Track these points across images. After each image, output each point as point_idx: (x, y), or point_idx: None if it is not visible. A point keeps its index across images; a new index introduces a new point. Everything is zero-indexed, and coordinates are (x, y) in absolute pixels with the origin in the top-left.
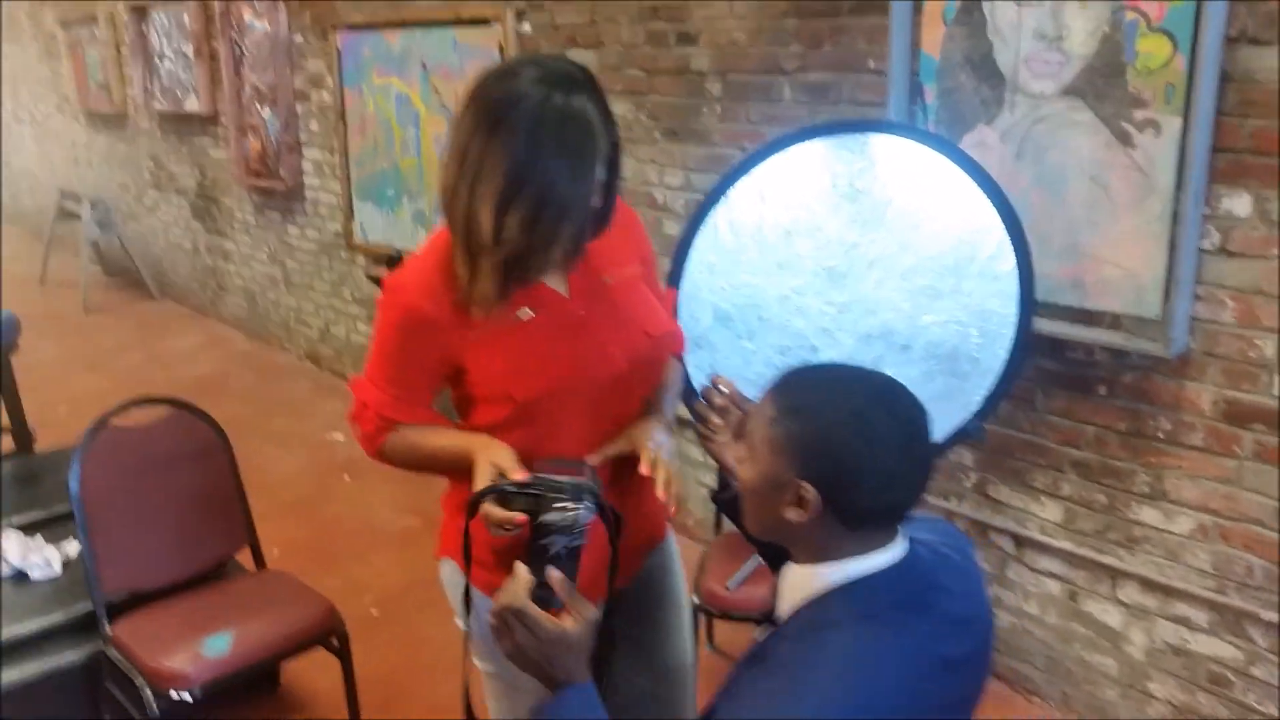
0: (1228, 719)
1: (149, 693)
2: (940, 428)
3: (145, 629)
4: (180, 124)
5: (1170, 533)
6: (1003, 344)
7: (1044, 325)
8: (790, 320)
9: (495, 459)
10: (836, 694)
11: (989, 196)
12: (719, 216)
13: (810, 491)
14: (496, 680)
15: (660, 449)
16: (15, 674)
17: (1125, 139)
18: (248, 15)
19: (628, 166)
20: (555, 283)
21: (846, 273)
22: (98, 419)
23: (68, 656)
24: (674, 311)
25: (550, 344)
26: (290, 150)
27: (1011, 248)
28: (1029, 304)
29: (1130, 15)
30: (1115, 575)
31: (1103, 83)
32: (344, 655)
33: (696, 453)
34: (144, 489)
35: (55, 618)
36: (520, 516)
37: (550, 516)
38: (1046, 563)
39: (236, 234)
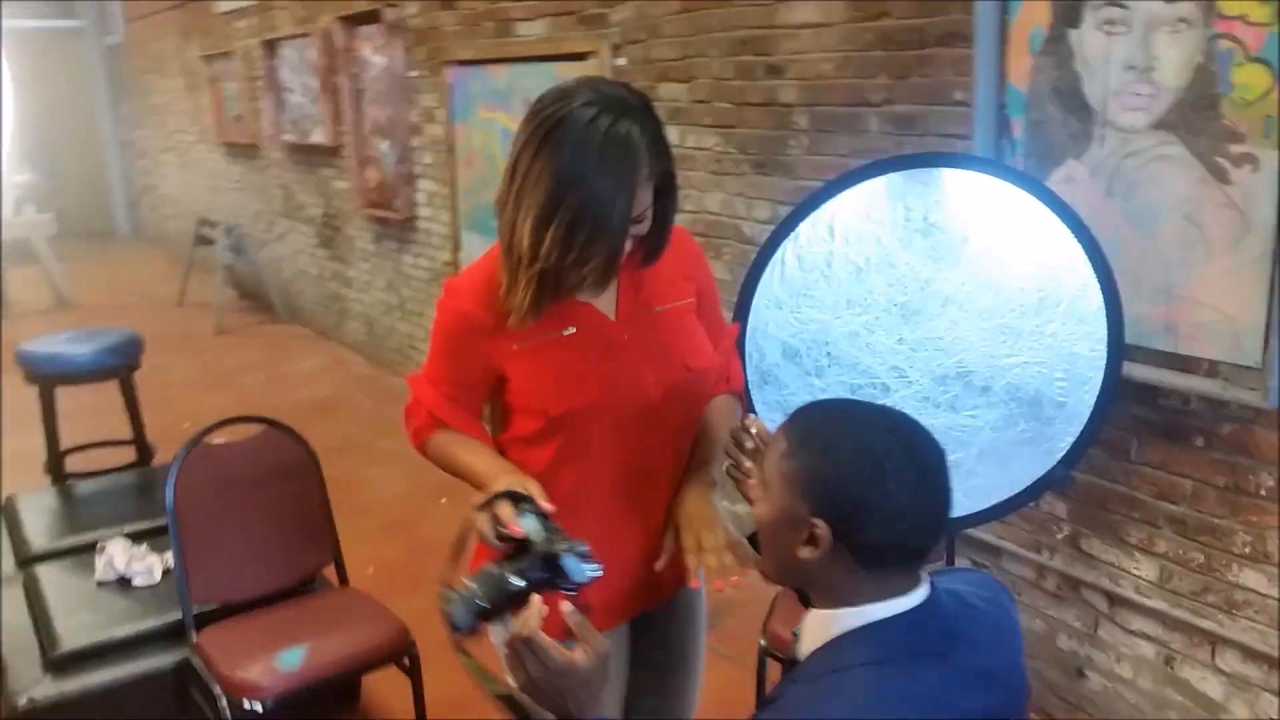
0: None
1: (224, 701)
2: (1024, 475)
3: (226, 639)
4: (307, 155)
5: (1274, 598)
6: (1090, 388)
7: (1136, 371)
8: (860, 357)
9: (527, 483)
10: None
11: (1074, 233)
12: (787, 251)
13: (823, 528)
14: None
15: (716, 541)
16: (111, 675)
17: (1221, 175)
18: (367, 51)
19: (716, 199)
20: (604, 305)
21: (919, 309)
22: (193, 435)
23: (159, 661)
24: (733, 349)
25: (587, 363)
26: (405, 182)
27: (1099, 287)
28: (1118, 347)
29: (1225, 44)
30: (1215, 641)
31: (1196, 116)
32: (414, 675)
33: None
34: (236, 504)
35: (151, 623)
36: (519, 530)
37: (561, 548)
38: (1140, 623)
39: (357, 261)
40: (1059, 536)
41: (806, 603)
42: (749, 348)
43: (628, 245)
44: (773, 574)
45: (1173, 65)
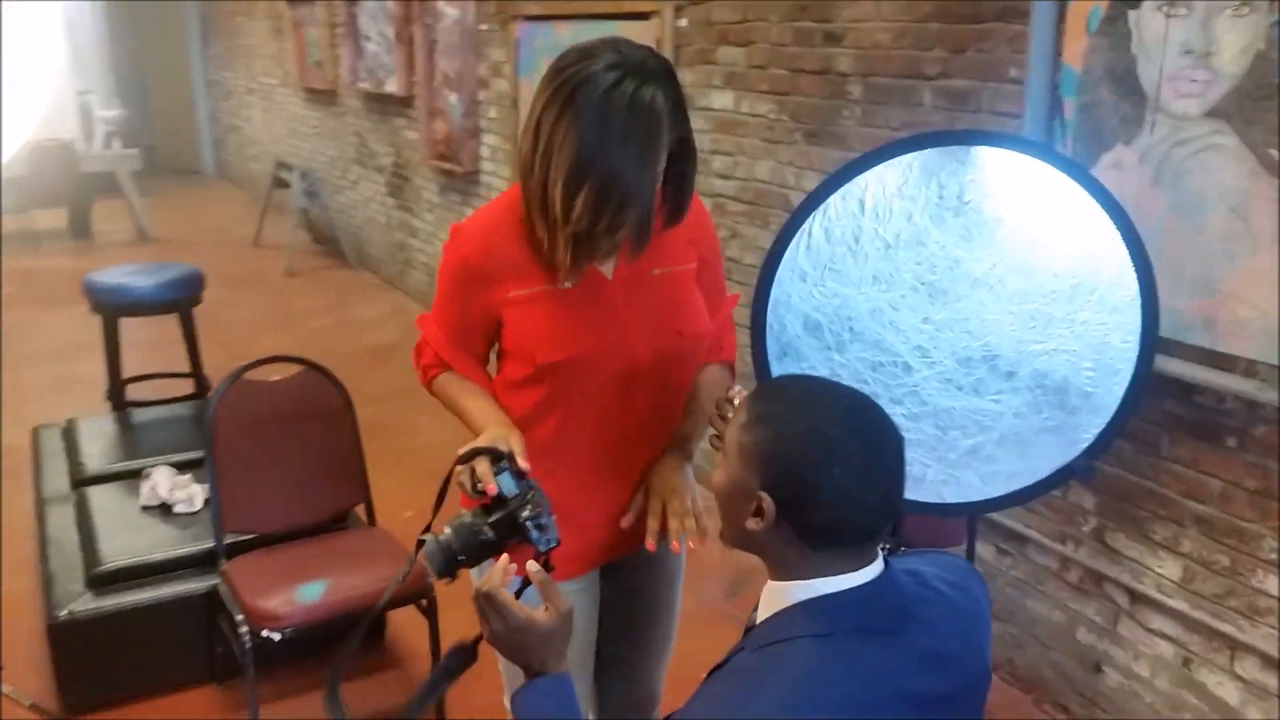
0: None
1: (245, 628)
2: (1045, 463)
3: (253, 569)
4: (380, 104)
5: None
6: (1120, 380)
7: (1171, 365)
8: (883, 335)
9: (511, 438)
10: (780, 706)
11: (1113, 219)
12: (815, 223)
13: (768, 503)
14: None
15: (681, 507)
16: (146, 595)
17: (1272, 167)
18: (441, 2)
19: (766, 167)
20: (603, 264)
21: (948, 290)
22: (233, 371)
23: (191, 586)
24: (729, 318)
25: (578, 319)
26: (470, 135)
27: (1135, 277)
28: (1151, 340)
29: None
30: (1234, 646)
31: (1252, 105)
32: (431, 616)
33: None
34: (272, 440)
35: (187, 549)
36: (492, 487)
37: (524, 516)
38: (1160, 622)
39: (423, 212)
40: (1084, 529)
41: None
42: (770, 319)
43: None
44: (728, 541)
45: (1232, 51)
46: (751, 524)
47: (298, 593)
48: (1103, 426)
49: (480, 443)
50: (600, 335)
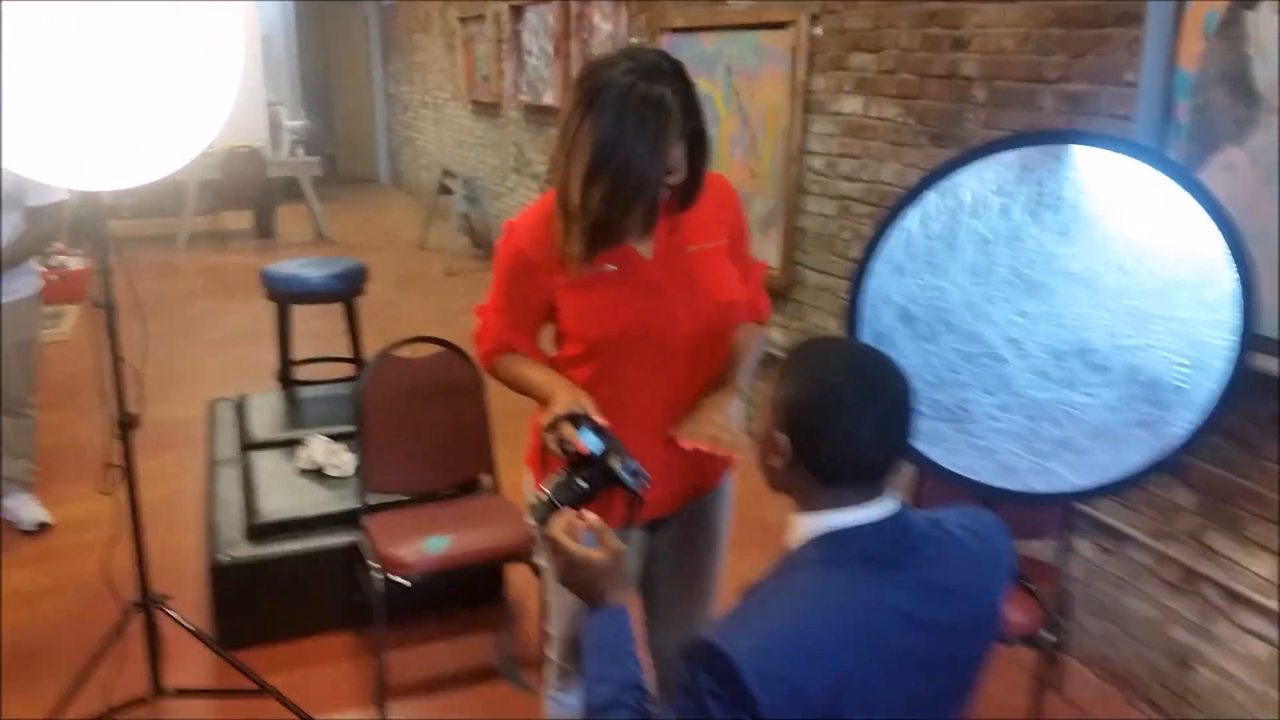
0: None
1: (378, 574)
2: (1135, 458)
3: (389, 524)
4: (538, 115)
5: None
6: (1215, 377)
7: (1272, 365)
8: (977, 327)
9: (579, 398)
10: (788, 621)
11: (1212, 217)
12: (912, 219)
13: (784, 442)
14: (549, 576)
15: (722, 430)
16: (297, 546)
17: None
18: (596, 17)
19: (891, 170)
20: (642, 246)
21: (1043, 284)
22: (382, 348)
23: (336, 540)
24: (760, 283)
25: (623, 297)
26: None
27: (1235, 276)
28: (1247, 339)
29: None
30: None
31: None
32: (540, 574)
33: None
34: (412, 412)
35: (335, 508)
36: (582, 446)
37: (616, 465)
38: (1255, 622)
39: None
40: (1183, 527)
41: None
42: (865, 309)
43: (664, 194)
44: (766, 480)
45: None
46: (774, 462)
47: (426, 544)
48: (1196, 423)
49: (558, 409)
50: (644, 310)
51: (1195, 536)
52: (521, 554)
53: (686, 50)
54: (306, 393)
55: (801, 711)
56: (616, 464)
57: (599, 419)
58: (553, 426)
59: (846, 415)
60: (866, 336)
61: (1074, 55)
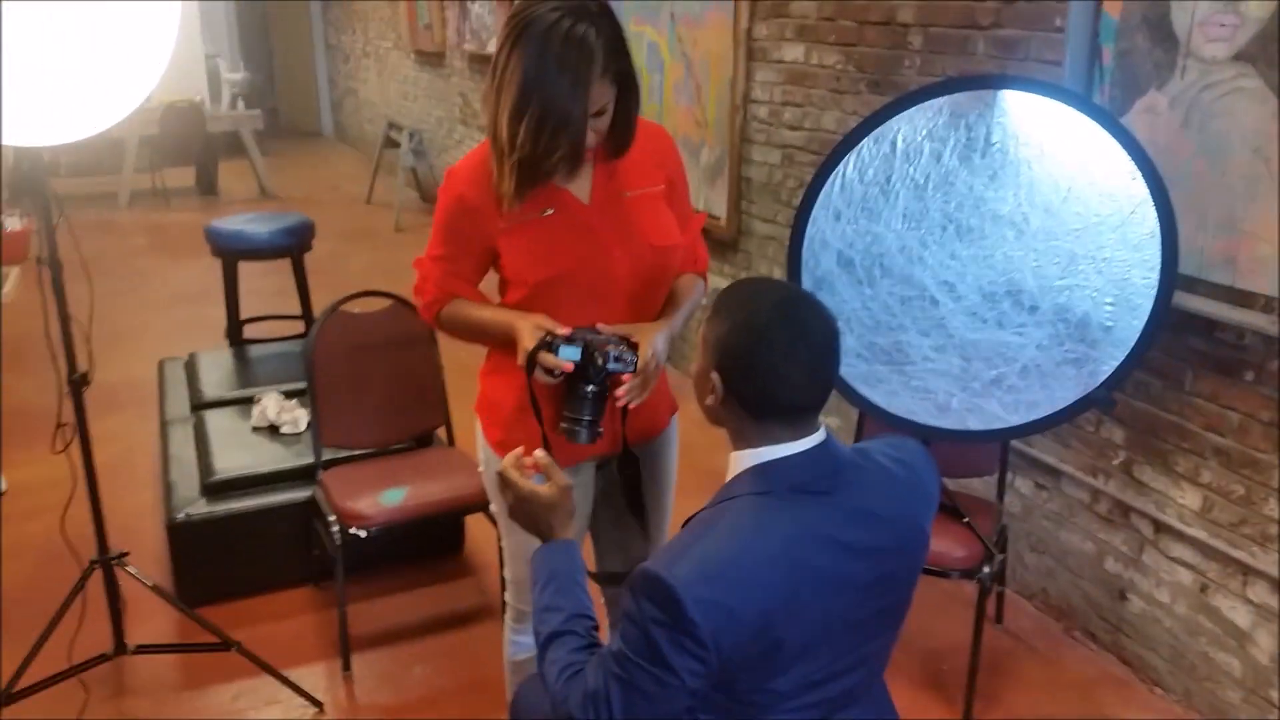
0: None
1: (336, 527)
2: (1065, 394)
3: (344, 478)
4: (484, 65)
5: None
6: (1139, 315)
7: (1193, 303)
8: (912, 271)
9: (538, 321)
10: (723, 550)
11: (1134, 160)
12: (849, 165)
13: (716, 380)
14: (502, 520)
15: (651, 359)
16: (252, 502)
17: None
18: None
19: (832, 118)
20: (579, 191)
21: (974, 228)
22: (332, 304)
23: (293, 495)
24: (699, 234)
25: (562, 240)
26: None
27: (1156, 216)
28: (1170, 277)
29: None
30: (1246, 572)
31: (1276, 48)
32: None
33: None
34: (364, 367)
35: (289, 464)
36: (567, 364)
37: (607, 363)
38: (1181, 551)
39: None
40: (1114, 462)
41: None
42: (805, 255)
43: (591, 138)
44: (706, 417)
45: None
46: (709, 400)
47: (382, 497)
48: (1122, 360)
49: (528, 344)
50: (582, 254)
51: (1126, 471)
52: (479, 505)
53: None
54: (256, 350)
55: (738, 634)
56: (600, 359)
57: (563, 330)
58: (530, 365)
59: (774, 354)
60: (807, 282)
61: (1005, 0)
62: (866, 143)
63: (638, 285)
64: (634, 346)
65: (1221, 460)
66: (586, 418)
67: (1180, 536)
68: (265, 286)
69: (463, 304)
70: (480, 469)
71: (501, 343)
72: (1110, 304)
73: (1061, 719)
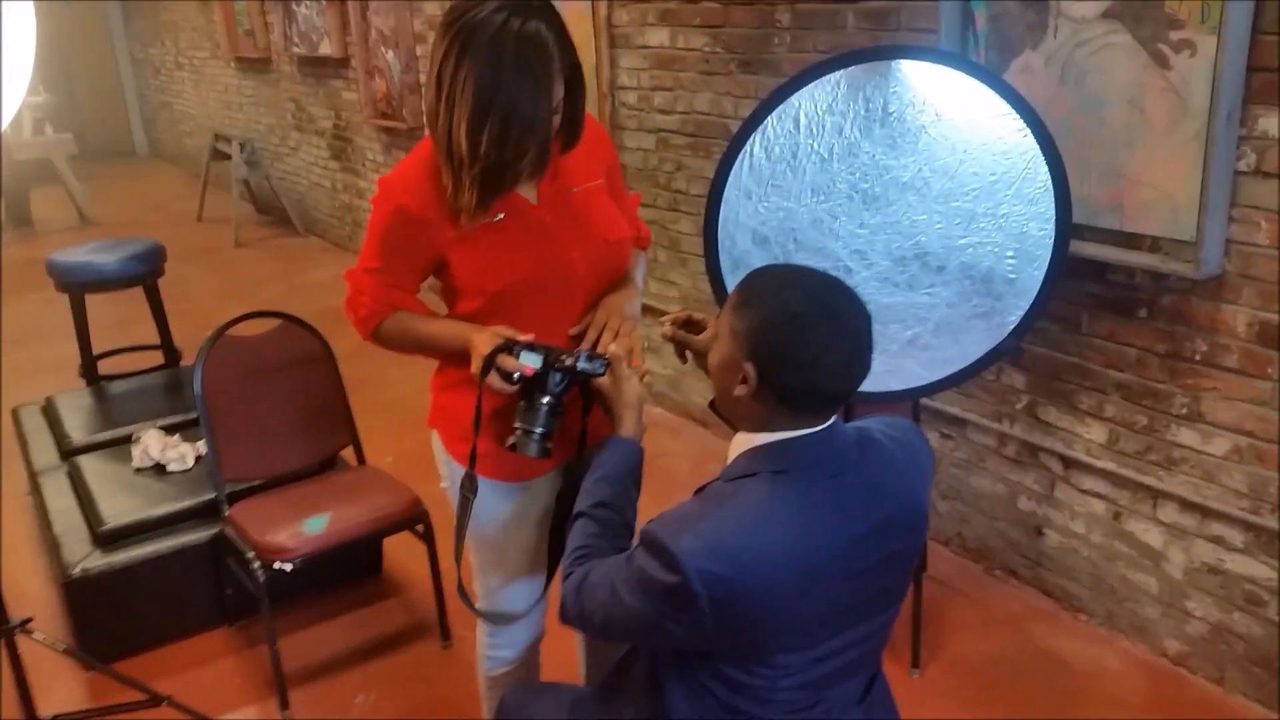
0: (1262, 637)
1: (257, 564)
2: (976, 347)
3: (256, 511)
4: (316, 67)
5: (1207, 454)
6: (1039, 265)
7: (1086, 249)
8: (824, 243)
9: (498, 330)
10: (733, 525)
11: (1023, 118)
12: (756, 144)
13: (750, 371)
14: (469, 536)
15: (626, 321)
16: (153, 548)
17: (1162, 60)
18: None
19: (705, 99)
20: (527, 191)
21: (880, 196)
22: (217, 328)
23: (195, 536)
24: (636, 213)
25: (517, 244)
26: (411, 91)
27: (1047, 170)
28: (1064, 225)
29: None
30: (1156, 495)
31: (1140, 4)
32: (429, 540)
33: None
34: (259, 392)
35: (186, 503)
36: (528, 368)
37: (576, 362)
38: (1092, 483)
39: (368, 172)
40: (1018, 407)
41: None
42: (721, 236)
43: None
44: (721, 409)
45: None
46: (739, 391)
47: (304, 525)
48: (1026, 309)
49: (484, 349)
50: (540, 257)
51: (1030, 413)
52: (405, 523)
53: None
54: (117, 387)
55: (739, 612)
56: (570, 361)
57: (525, 337)
58: (487, 367)
59: (815, 344)
60: (726, 263)
61: None
62: (771, 120)
63: (595, 282)
64: (601, 355)
65: (1123, 394)
66: (539, 430)
67: (1090, 469)
68: (108, 318)
69: (407, 317)
70: (443, 485)
71: (454, 355)
72: (1012, 257)
73: (1000, 654)
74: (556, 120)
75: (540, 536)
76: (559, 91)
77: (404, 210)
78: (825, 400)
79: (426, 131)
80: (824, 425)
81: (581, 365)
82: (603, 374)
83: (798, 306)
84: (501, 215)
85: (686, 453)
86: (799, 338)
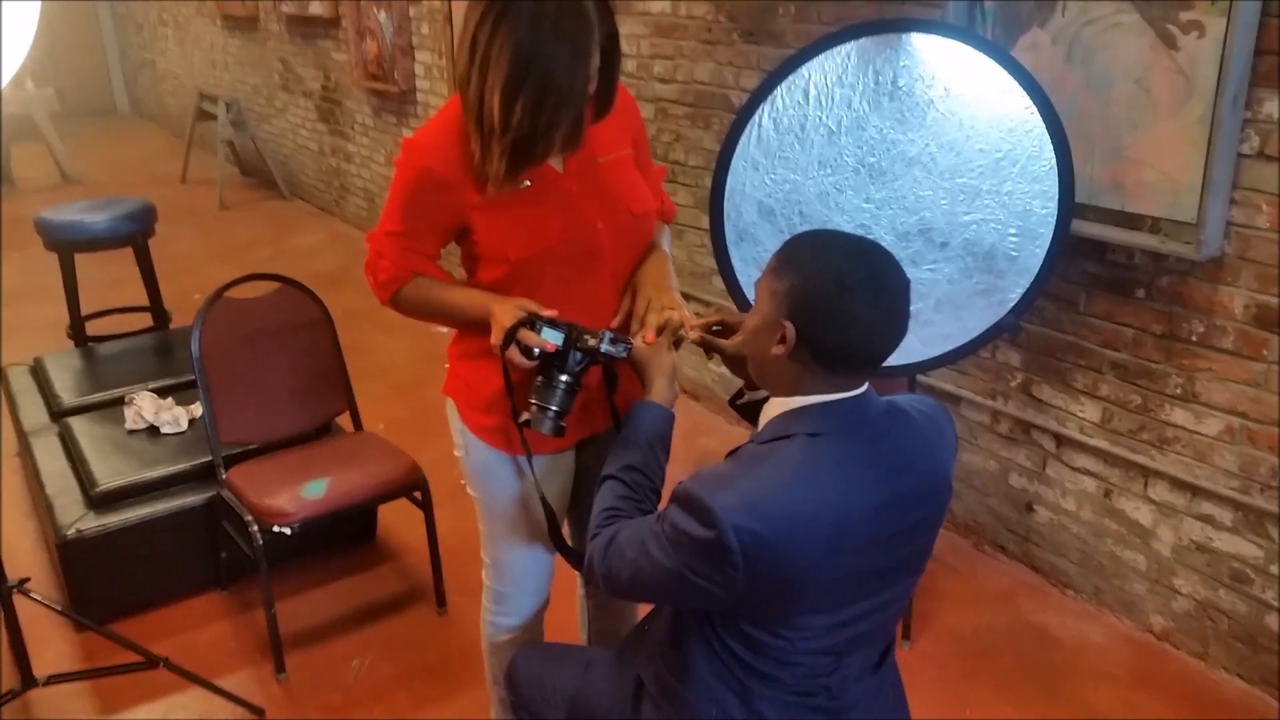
0: (1246, 614)
1: (255, 527)
2: (977, 323)
3: (255, 474)
4: (305, 27)
5: (1200, 434)
6: (1041, 244)
7: (1086, 228)
8: (829, 216)
9: (520, 303)
10: (771, 484)
11: (1030, 96)
12: (764, 115)
13: (790, 329)
14: (481, 505)
15: (669, 295)
16: (146, 511)
17: (1169, 40)
18: None
19: (706, 69)
20: (553, 160)
21: (886, 170)
22: (215, 290)
23: (190, 499)
24: (659, 187)
25: (543, 213)
26: (403, 53)
27: (1052, 149)
28: (1067, 204)
29: None
30: (1147, 474)
31: None
32: (426, 507)
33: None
34: (257, 356)
35: (181, 466)
36: (549, 344)
37: (599, 344)
38: (1084, 461)
39: (357, 136)
40: (1012, 384)
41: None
42: (727, 207)
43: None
44: (753, 373)
45: None
46: (777, 350)
47: (303, 490)
48: (1027, 286)
49: (505, 321)
50: (564, 225)
51: (1025, 391)
52: (404, 489)
53: None
54: (107, 349)
55: (771, 570)
56: (593, 341)
57: (549, 312)
58: (508, 340)
59: (858, 303)
60: (731, 234)
61: None
62: (780, 91)
63: (619, 256)
64: (625, 338)
65: (1119, 373)
66: (554, 408)
67: (1082, 447)
68: (95, 279)
69: (427, 283)
70: (458, 454)
71: (473, 324)
72: (1014, 235)
73: (989, 628)
74: (591, 88)
75: (556, 512)
76: (595, 61)
77: (429, 173)
78: (862, 361)
79: (455, 93)
80: (858, 392)
81: (605, 348)
82: (625, 358)
83: (841, 266)
84: (528, 183)
85: (677, 427)
86: (842, 297)
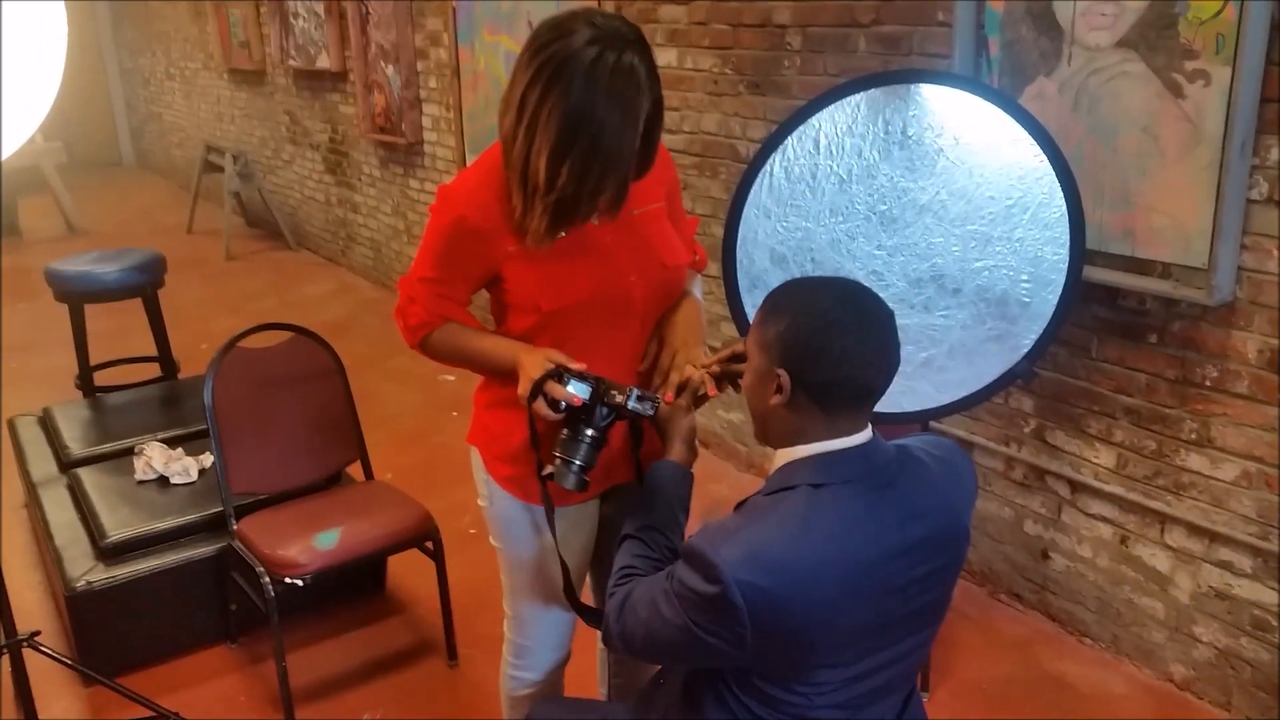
0: (1270, 663)
1: (267, 579)
2: (990, 369)
3: (266, 525)
4: (313, 80)
5: (1216, 479)
6: (1053, 289)
7: (1097, 274)
8: (842, 263)
9: (549, 354)
10: (773, 535)
11: (1039, 144)
12: (775, 164)
13: (784, 376)
14: (503, 556)
15: (690, 356)
16: (156, 563)
17: (1176, 90)
18: None
19: (713, 120)
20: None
21: (897, 218)
22: (228, 340)
23: (201, 550)
24: (692, 237)
25: (577, 264)
26: (411, 106)
27: (1062, 196)
28: (1079, 250)
29: None
30: (1164, 520)
31: (1155, 34)
32: (438, 557)
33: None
34: (268, 405)
35: (191, 517)
36: (577, 398)
37: (626, 401)
38: (1099, 507)
39: (364, 187)
40: (1026, 430)
41: None
42: (740, 255)
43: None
44: (758, 431)
45: None
46: (775, 400)
47: (316, 540)
48: (1040, 332)
49: (534, 373)
50: (598, 278)
51: (1038, 437)
52: (416, 539)
53: (481, 8)
54: (115, 399)
55: (777, 625)
56: (620, 397)
57: (578, 366)
58: (535, 392)
59: (847, 336)
60: (743, 281)
61: None
62: (791, 141)
63: (650, 308)
64: (652, 395)
65: (1132, 419)
66: (578, 463)
67: (1097, 494)
68: (101, 329)
69: (458, 330)
70: (481, 503)
71: (501, 373)
72: (1026, 281)
73: (1009, 678)
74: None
75: (579, 565)
76: (642, 126)
77: (463, 221)
78: (859, 395)
79: (496, 144)
80: (863, 440)
81: (631, 405)
82: (652, 415)
83: (824, 304)
84: (563, 233)
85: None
86: (829, 333)
